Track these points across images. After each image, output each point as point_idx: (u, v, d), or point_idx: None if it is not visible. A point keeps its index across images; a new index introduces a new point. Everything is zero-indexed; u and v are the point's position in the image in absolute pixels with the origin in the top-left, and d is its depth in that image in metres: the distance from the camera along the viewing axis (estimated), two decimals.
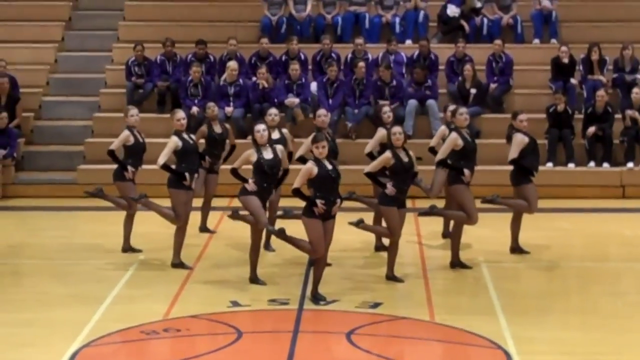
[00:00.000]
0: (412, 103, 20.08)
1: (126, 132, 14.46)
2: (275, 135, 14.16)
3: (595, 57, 20.66)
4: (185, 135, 13.88)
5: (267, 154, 12.92)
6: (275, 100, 20.04)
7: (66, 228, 16.47)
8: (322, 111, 14.26)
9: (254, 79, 20.39)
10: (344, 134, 19.77)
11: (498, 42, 21.04)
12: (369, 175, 13.15)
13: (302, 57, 20.93)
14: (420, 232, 16.03)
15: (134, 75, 20.94)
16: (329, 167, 12.11)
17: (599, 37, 21.35)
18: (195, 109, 19.82)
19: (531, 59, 21.66)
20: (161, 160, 13.61)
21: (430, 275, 13.86)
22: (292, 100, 20.00)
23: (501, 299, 12.67)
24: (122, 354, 11.23)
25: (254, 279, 13.08)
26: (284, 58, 20.96)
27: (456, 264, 13.96)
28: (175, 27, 22.19)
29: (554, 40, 22.02)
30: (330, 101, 20.05)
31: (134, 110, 14.70)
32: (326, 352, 10.94)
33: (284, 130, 14.68)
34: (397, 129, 12.95)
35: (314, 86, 20.47)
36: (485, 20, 22.14)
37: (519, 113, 14.65)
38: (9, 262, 15.03)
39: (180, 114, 14.01)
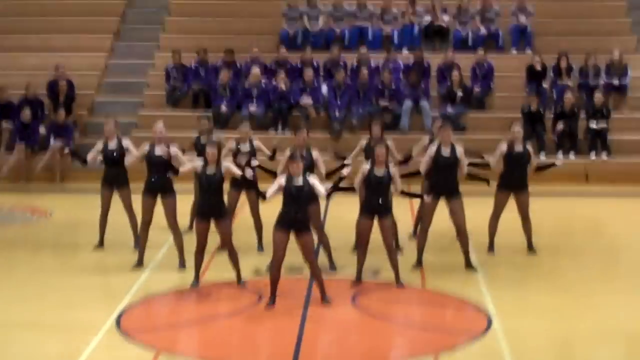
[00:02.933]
0: (408, 103, 20.08)
1: (98, 143, 13.70)
2: (245, 148, 13.35)
3: (563, 64, 20.63)
4: (157, 147, 12.57)
5: (210, 170, 11.69)
6: (292, 100, 20.10)
7: (115, 207, 16.48)
8: (301, 133, 12.66)
9: (273, 82, 20.43)
10: (350, 128, 19.81)
11: (481, 51, 21.03)
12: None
13: (315, 63, 20.93)
14: (414, 208, 16.02)
15: (172, 79, 20.98)
16: (298, 183, 10.90)
17: (567, 47, 21.24)
18: (224, 107, 19.86)
19: (509, 66, 21.60)
20: (127, 159, 13.11)
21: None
22: (306, 101, 20.03)
23: (482, 269, 12.67)
24: (162, 313, 11.29)
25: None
26: (299, 64, 20.96)
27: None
28: (207, 38, 22.17)
29: (528, 50, 21.96)
30: (339, 101, 20.07)
31: (107, 126, 13.49)
32: (334, 314, 10.96)
33: (256, 143, 13.50)
34: (380, 150, 11.61)
35: (324, 88, 20.47)
36: (470, 33, 22.12)
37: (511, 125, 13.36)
38: (67, 235, 15.08)
39: (158, 125, 12.69)
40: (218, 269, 12.61)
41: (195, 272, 11.84)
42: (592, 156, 19.47)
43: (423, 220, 12.75)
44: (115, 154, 13.53)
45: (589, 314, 10.95)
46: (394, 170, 11.77)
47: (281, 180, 11.03)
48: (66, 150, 15.36)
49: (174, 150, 12.75)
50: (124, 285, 11.86)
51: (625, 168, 19.38)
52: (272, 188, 11.04)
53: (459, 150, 12.53)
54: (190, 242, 12.47)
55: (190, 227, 14.31)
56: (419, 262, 12.71)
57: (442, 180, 12.49)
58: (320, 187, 11.08)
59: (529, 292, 11.91)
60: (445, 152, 12.49)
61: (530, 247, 13.58)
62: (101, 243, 13.74)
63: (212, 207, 11.67)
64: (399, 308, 11.32)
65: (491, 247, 13.59)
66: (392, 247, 11.89)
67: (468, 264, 12.65)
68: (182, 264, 12.65)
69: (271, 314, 10.89)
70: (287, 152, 11.85)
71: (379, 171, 11.69)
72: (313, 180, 11.08)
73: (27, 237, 15.04)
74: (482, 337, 10.14)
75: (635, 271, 12.98)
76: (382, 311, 11.12)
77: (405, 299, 11.59)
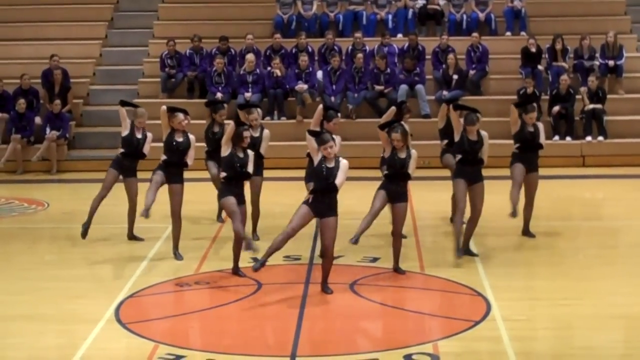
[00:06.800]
0: (403, 88, 20.05)
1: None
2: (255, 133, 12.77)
3: (558, 46, 20.60)
4: (177, 135, 12.45)
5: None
6: (287, 86, 20.06)
7: (112, 197, 16.36)
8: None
9: (269, 68, 20.37)
10: (346, 114, 19.77)
11: (476, 34, 20.99)
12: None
13: (310, 49, 20.89)
14: (412, 197, 15.97)
15: (167, 66, 20.92)
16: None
17: (561, 29, 21.27)
18: (219, 95, 19.81)
19: (504, 49, 21.59)
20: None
21: (420, 234, 13.84)
22: (302, 86, 19.99)
23: (480, 254, 12.65)
24: (160, 303, 11.25)
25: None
26: (294, 50, 20.91)
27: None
28: (201, 25, 22.14)
29: (523, 33, 21.94)
30: (334, 87, 20.03)
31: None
32: (333, 300, 10.94)
33: (265, 132, 13.06)
34: (395, 135, 11.40)
35: (319, 74, 20.44)
36: (465, 16, 22.08)
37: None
38: (64, 226, 15.06)
39: (181, 116, 12.47)
40: (216, 258, 12.58)
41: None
42: (588, 138, 19.47)
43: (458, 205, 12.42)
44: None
45: (588, 298, 10.93)
46: (412, 152, 11.57)
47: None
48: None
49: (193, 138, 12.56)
50: (123, 276, 11.84)
51: (621, 150, 19.40)
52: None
53: (484, 134, 12.33)
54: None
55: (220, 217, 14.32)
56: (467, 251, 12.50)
57: (469, 164, 12.24)
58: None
59: (527, 276, 11.90)
60: (473, 136, 12.25)
61: (526, 232, 13.52)
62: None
63: (240, 195, 11.55)
64: (398, 294, 11.30)
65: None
66: (400, 234, 11.83)
67: (467, 250, 12.61)
68: (176, 252, 12.59)
69: (270, 302, 10.86)
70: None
71: (401, 154, 11.50)
72: None
73: (24, 228, 15.00)
74: (482, 322, 10.12)
75: (633, 254, 12.96)
76: (381, 297, 11.09)
77: (404, 286, 11.56)
